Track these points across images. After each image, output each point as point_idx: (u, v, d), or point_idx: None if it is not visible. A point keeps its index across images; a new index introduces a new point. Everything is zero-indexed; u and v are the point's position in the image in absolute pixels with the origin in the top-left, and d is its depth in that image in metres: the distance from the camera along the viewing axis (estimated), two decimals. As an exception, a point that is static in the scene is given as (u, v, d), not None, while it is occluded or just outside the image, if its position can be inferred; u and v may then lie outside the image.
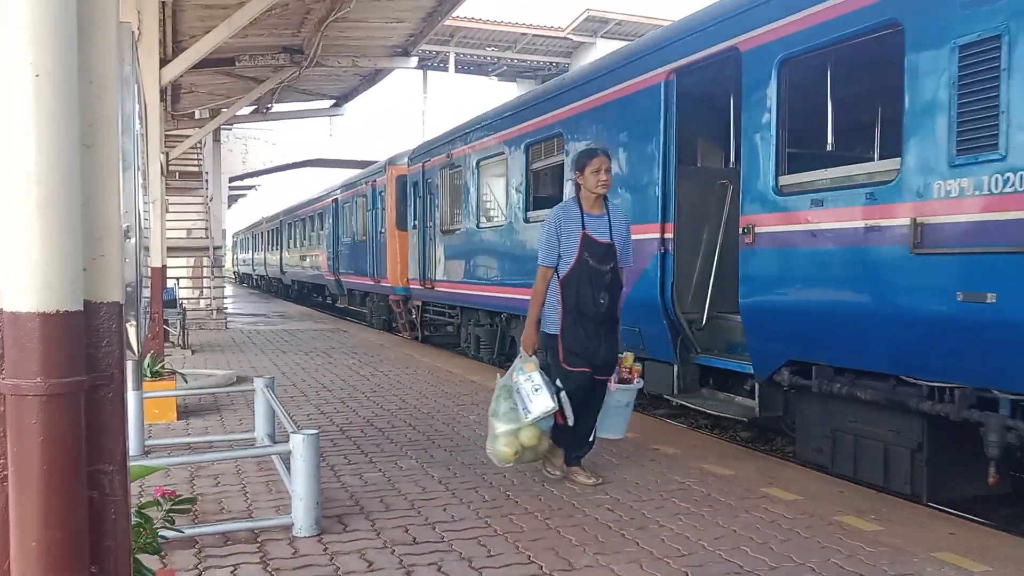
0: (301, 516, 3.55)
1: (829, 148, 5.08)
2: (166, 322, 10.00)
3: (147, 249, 3.70)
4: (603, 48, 21.96)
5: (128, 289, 1.64)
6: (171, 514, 2.73)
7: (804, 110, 5.14)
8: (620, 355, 4.56)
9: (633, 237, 4.72)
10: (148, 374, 6.18)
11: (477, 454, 5.07)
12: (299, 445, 3.56)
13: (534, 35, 25.02)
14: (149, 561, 2.55)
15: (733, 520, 3.82)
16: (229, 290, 25.63)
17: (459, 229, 10.62)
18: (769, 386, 5.26)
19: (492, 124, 9.58)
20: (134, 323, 1.78)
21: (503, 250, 9.16)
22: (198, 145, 15.82)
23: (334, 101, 15.09)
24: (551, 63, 26.46)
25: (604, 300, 4.35)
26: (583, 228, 4.38)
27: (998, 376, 3.79)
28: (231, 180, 25.06)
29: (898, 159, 4.18)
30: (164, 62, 8.11)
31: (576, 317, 4.32)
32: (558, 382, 4.33)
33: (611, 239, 4.42)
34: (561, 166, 7.74)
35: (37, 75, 1.32)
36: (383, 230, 14.46)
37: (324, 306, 23.74)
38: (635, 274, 5.90)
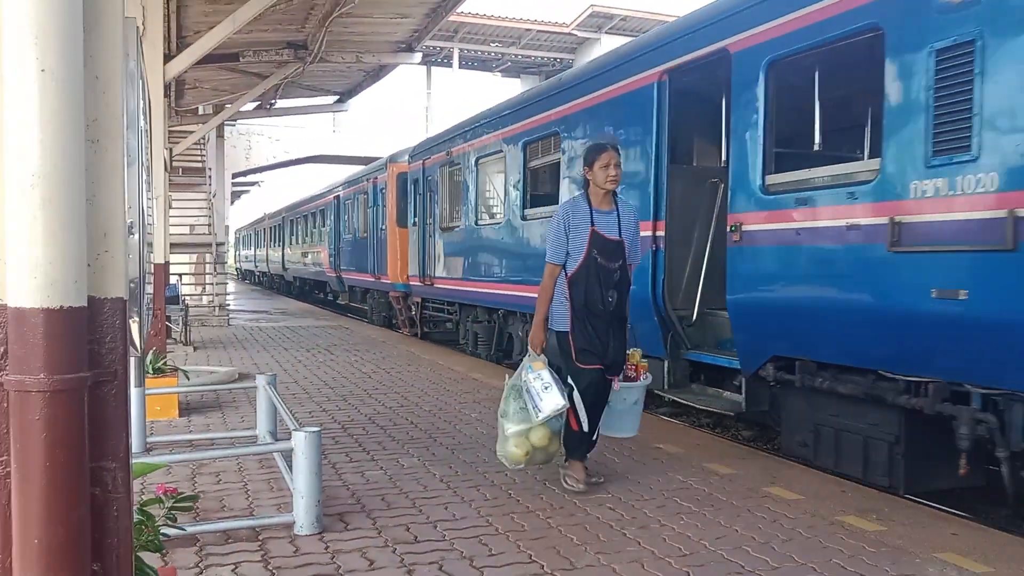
0: (302, 514, 3.55)
1: (815, 148, 5.19)
2: (168, 318, 10.00)
3: (150, 245, 3.69)
4: (608, 44, 21.95)
5: (131, 285, 1.63)
6: (173, 512, 2.73)
7: (791, 111, 5.24)
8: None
9: None
10: (150, 371, 6.18)
11: (479, 452, 5.07)
12: (301, 442, 3.55)
13: (538, 31, 25.02)
14: (150, 559, 2.55)
15: (735, 520, 3.82)
16: (231, 286, 25.63)
17: (458, 226, 10.68)
18: (755, 381, 5.35)
19: (490, 122, 9.64)
20: (137, 319, 1.78)
21: (501, 247, 9.21)
22: (201, 141, 15.83)
23: (338, 97, 15.09)
24: (555, 59, 26.43)
25: (613, 298, 4.30)
26: (592, 225, 4.29)
27: (969, 371, 3.92)
28: (234, 176, 25.09)
29: (878, 159, 4.29)
30: (168, 58, 8.09)
31: (584, 316, 4.27)
32: (570, 380, 4.28)
33: (620, 236, 4.35)
34: (558, 164, 7.81)
35: (43, 70, 1.32)
36: (384, 227, 14.47)
37: (325, 303, 23.75)
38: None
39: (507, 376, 4.46)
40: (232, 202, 31.89)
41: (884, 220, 4.13)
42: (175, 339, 11.21)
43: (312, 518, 3.56)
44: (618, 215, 4.39)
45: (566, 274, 4.32)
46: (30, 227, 1.33)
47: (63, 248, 1.35)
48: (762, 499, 4.15)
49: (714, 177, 6.39)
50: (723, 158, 6.61)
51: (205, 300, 16.62)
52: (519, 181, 8.63)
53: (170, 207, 11.63)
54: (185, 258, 17.18)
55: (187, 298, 14.25)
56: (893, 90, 4.14)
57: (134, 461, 1.79)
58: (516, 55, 26.56)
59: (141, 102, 1.81)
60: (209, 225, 16.05)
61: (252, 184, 36.29)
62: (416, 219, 12.55)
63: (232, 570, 3.13)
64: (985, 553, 3.41)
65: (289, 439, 3.64)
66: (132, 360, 1.83)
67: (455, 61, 26.05)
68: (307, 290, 26.85)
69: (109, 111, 1.49)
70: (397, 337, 13.11)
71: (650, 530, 3.67)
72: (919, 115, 3.97)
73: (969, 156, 3.72)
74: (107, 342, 1.50)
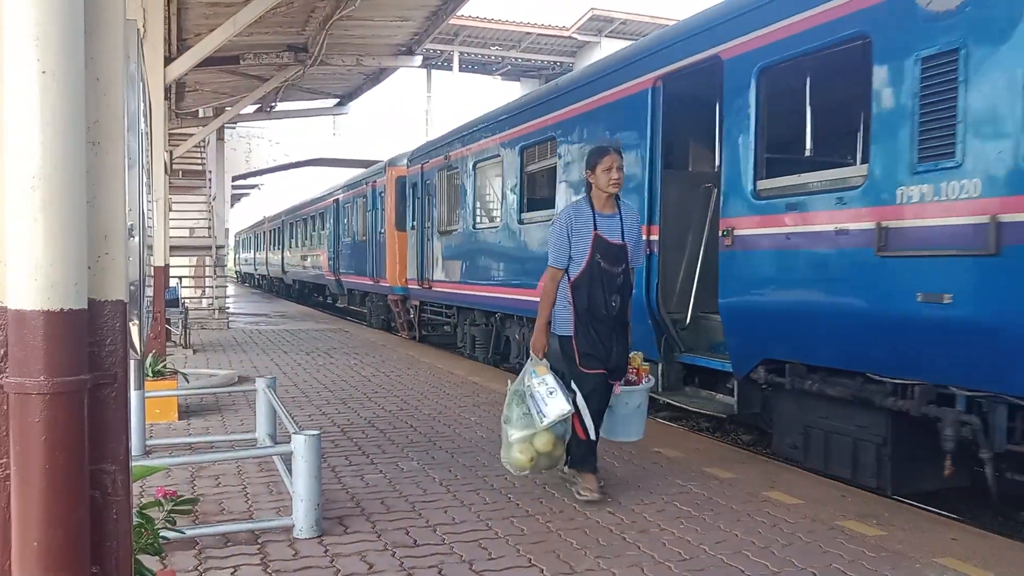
0: (302, 517, 3.54)
1: (805, 153, 5.24)
2: (168, 321, 9.99)
3: (150, 248, 3.69)
4: (608, 47, 21.99)
5: (131, 288, 1.63)
6: (172, 515, 2.73)
7: (782, 117, 5.28)
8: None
9: None
10: (150, 373, 6.18)
11: (478, 456, 5.07)
12: (300, 446, 3.55)
13: (538, 34, 25.07)
14: (150, 562, 2.55)
15: (735, 524, 3.81)
16: (231, 289, 25.62)
17: (456, 230, 10.72)
18: (747, 384, 5.39)
19: (488, 127, 9.68)
20: (137, 322, 1.78)
21: (498, 251, 9.25)
22: (202, 144, 15.83)
23: (338, 100, 15.10)
24: (555, 62, 26.48)
25: (616, 303, 4.28)
26: (595, 229, 4.25)
27: (953, 373, 3.96)
28: (234, 179, 25.06)
29: (866, 165, 4.33)
30: (169, 60, 8.10)
31: (588, 320, 4.24)
32: (573, 385, 4.25)
33: (623, 240, 4.32)
34: (554, 169, 7.86)
35: (43, 72, 1.32)
36: (382, 230, 14.48)
37: (325, 306, 23.74)
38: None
39: (508, 381, 4.43)
40: (232, 205, 31.86)
41: (871, 225, 4.17)
42: (175, 342, 11.20)
43: (311, 521, 3.55)
44: (621, 219, 4.35)
45: (569, 278, 4.28)
46: (31, 229, 1.33)
47: (63, 250, 1.35)
48: (762, 503, 4.15)
49: (707, 182, 6.42)
50: (716, 163, 6.65)
51: (205, 303, 16.62)
52: (516, 185, 8.66)
53: (170, 210, 11.62)
54: (185, 261, 17.20)
55: (187, 301, 14.25)
56: (880, 97, 4.19)
57: (134, 464, 1.79)
58: (516, 58, 26.60)
59: (142, 104, 1.81)
60: (209, 228, 16.04)
61: (252, 187, 36.29)
62: (415, 223, 12.57)
63: (231, 573, 3.12)
64: (985, 558, 3.40)
65: (289, 442, 3.64)
66: (132, 363, 1.83)
67: (455, 64, 26.08)
68: (306, 293, 26.85)
69: (110, 113, 1.49)
70: (396, 340, 13.11)
71: (650, 534, 3.66)
72: (905, 122, 4.02)
73: (953, 163, 3.76)
74: (107, 344, 1.50)
